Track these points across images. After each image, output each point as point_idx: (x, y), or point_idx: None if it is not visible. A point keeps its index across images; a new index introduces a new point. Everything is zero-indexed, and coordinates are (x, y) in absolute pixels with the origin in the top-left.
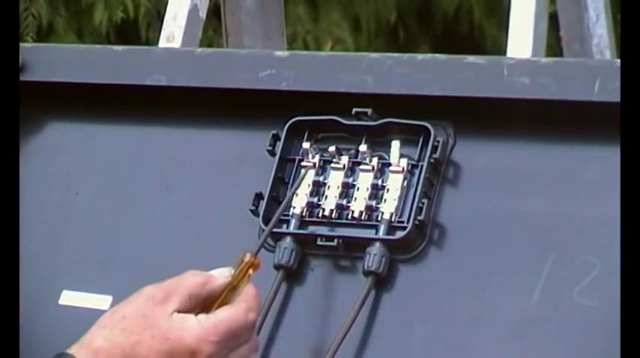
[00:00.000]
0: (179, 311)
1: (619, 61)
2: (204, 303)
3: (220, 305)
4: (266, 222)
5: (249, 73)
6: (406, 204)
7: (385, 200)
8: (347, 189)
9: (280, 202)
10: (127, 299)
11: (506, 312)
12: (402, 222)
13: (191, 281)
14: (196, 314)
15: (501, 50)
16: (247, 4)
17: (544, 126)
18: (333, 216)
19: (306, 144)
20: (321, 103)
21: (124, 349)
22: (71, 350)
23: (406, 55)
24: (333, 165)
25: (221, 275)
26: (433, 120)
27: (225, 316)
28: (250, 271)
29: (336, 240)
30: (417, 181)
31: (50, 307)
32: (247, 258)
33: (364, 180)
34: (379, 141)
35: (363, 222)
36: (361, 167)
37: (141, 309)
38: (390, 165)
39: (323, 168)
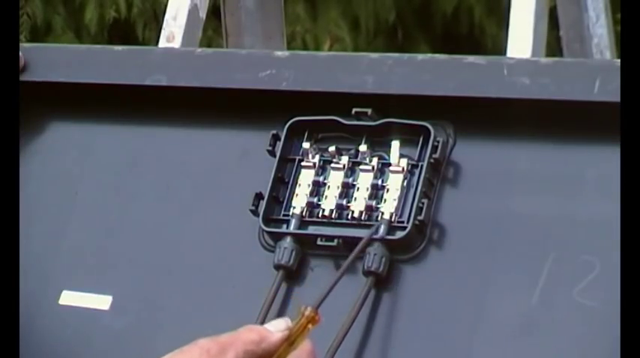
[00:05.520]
0: None
1: (619, 61)
2: None
3: None
4: (266, 222)
5: (249, 73)
6: (406, 204)
7: (385, 200)
8: (347, 189)
9: (280, 202)
10: (181, 350)
11: (506, 312)
12: (402, 222)
13: (247, 337)
14: None
15: (502, 48)
16: (247, 5)
17: (544, 126)
18: (333, 216)
19: (306, 144)
20: (321, 103)
21: None
22: None
23: (406, 55)
24: (333, 165)
25: (277, 330)
26: (433, 120)
27: None
28: (310, 326)
29: (336, 240)
30: (417, 181)
31: (50, 307)
32: (308, 312)
33: (364, 180)
34: (379, 141)
35: (363, 222)
36: (361, 167)
37: None
38: (390, 165)
39: (323, 168)
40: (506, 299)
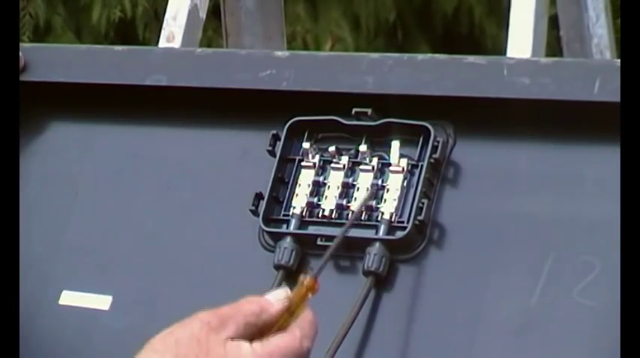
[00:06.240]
0: (233, 338)
1: (619, 61)
2: (260, 330)
3: (277, 331)
4: (266, 222)
5: (249, 73)
6: (406, 204)
7: (385, 200)
8: (347, 189)
9: (280, 202)
10: (181, 323)
11: (506, 312)
12: (402, 222)
13: (248, 309)
14: (251, 341)
15: (502, 48)
16: (247, 5)
17: (544, 126)
18: (333, 216)
19: (306, 144)
20: (321, 103)
21: None
22: None
23: (406, 55)
24: (333, 165)
25: (277, 300)
26: (433, 120)
27: (279, 343)
28: (309, 295)
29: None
30: (417, 181)
31: (50, 307)
32: (307, 281)
33: (364, 180)
34: (379, 141)
35: (363, 222)
36: (361, 167)
37: (195, 334)
38: (390, 165)
39: (323, 168)
40: (506, 299)
